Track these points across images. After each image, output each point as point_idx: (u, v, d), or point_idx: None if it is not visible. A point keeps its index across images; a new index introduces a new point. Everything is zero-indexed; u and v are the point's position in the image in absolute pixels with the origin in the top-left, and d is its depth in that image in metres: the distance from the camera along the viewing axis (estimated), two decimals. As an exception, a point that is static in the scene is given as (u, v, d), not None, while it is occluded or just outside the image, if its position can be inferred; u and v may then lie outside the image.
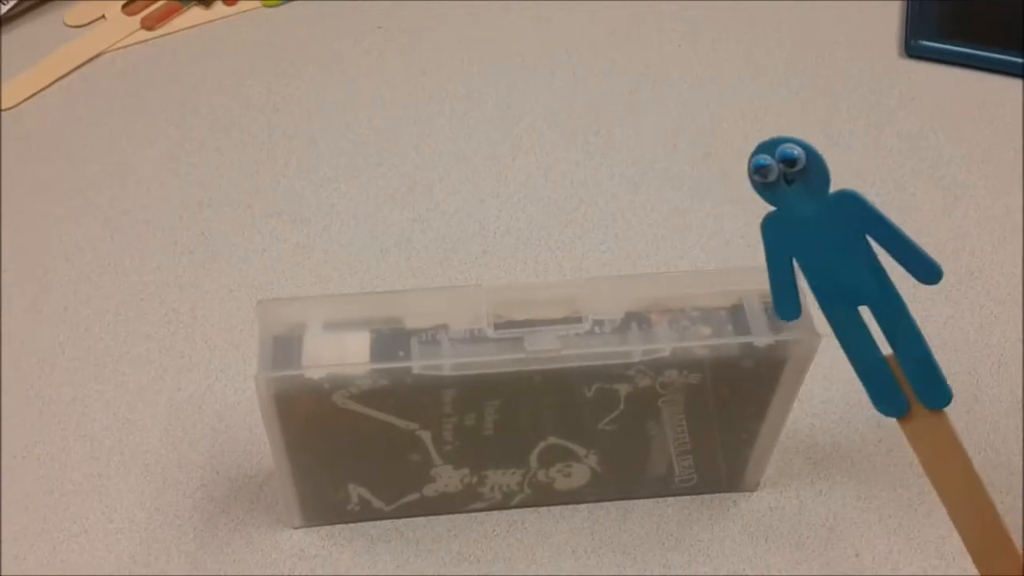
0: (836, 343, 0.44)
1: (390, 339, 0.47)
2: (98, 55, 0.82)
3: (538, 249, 0.69)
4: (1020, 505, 0.56)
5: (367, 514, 0.55)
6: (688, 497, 0.57)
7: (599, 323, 0.48)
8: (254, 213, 0.71)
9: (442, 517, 0.56)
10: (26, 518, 0.56)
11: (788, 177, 0.38)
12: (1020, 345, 0.64)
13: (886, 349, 0.42)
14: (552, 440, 0.52)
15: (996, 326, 0.65)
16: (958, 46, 0.82)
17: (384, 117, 0.78)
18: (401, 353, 0.47)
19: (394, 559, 0.55)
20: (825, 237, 0.38)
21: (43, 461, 0.58)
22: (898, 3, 0.87)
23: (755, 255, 0.45)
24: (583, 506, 0.57)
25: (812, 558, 0.55)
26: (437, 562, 0.55)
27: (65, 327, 0.64)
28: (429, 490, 0.54)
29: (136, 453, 0.58)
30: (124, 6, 0.85)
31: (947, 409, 0.42)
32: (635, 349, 0.47)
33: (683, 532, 0.56)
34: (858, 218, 0.37)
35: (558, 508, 0.56)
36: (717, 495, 0.57)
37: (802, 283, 0.42)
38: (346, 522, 0.56)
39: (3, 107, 0.78)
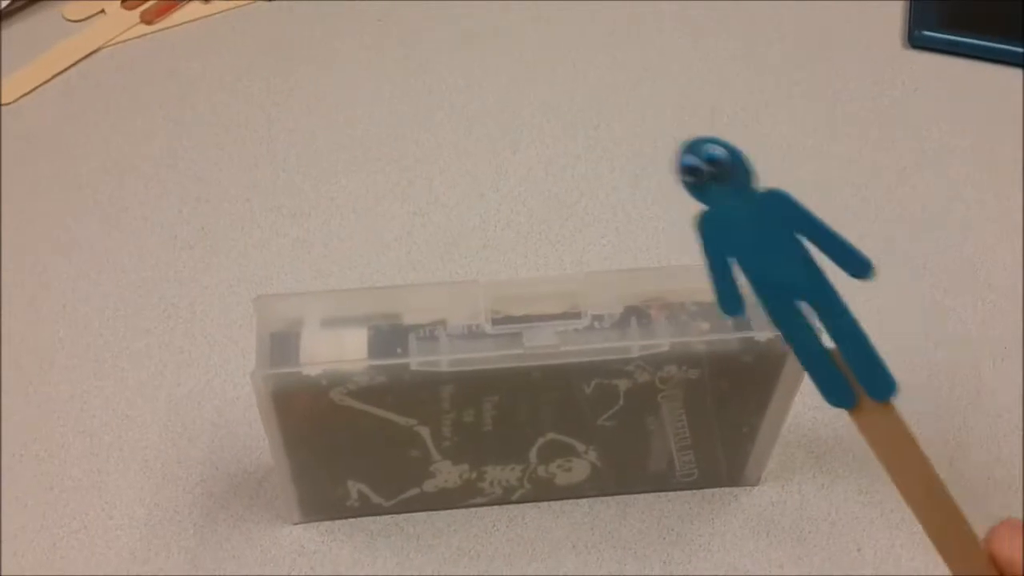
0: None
1: (388, 335, 0.47)
2: (97, 50, 0.82)
3: (538, 243, 0.69)
4: (1020, 503, 0.56)
5: (367, 510, 0.55)
6: (689, 492, 0.57)
7: (598, 318, 0.47)
8: (253, 208, 0.71)
9: (442, 512, 0.56)
10: (26, 515, 0.55)
11: (716, 176, 0.38)
12: (1022, 336, 0.63)
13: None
14: (551, 436, 0.52)
15: (999, 318, 0.64)
16: (961, 36, 0.81)
17: (384, 111, 0.78)
18: (399, 350, 0.46)
19: (394, 554, 0.54)
20: (757, 235, 0.39)
21: (42, 457, 0.58)
22: (901, -7, 0.87)
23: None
24: (583, 501, 0.56)
25: (814, 553, 0.55)
26: (437, 557, 0.54)
27: (64, 323, 0.64)
28: (429, 485, 0.54)
29: (135, 449, 0.58)
30: (123, 1, 0.85)
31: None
32: (634, 344, 0.47)
33: (684, 527, 0.56)
34: (787, 216, 0.38)
35: (558, 503, 0.56)
36: (718, 490, 0.57)
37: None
38: (345, 518, 0.55)
39: (2, 102, 0.78)
